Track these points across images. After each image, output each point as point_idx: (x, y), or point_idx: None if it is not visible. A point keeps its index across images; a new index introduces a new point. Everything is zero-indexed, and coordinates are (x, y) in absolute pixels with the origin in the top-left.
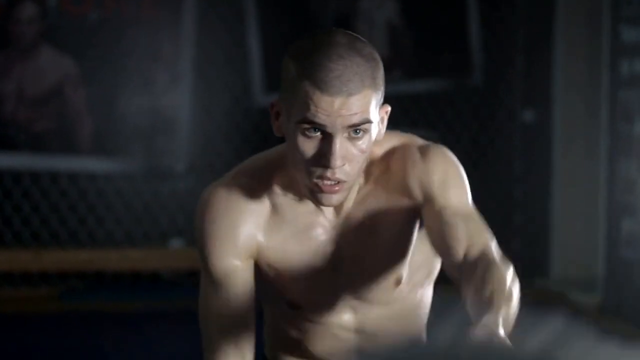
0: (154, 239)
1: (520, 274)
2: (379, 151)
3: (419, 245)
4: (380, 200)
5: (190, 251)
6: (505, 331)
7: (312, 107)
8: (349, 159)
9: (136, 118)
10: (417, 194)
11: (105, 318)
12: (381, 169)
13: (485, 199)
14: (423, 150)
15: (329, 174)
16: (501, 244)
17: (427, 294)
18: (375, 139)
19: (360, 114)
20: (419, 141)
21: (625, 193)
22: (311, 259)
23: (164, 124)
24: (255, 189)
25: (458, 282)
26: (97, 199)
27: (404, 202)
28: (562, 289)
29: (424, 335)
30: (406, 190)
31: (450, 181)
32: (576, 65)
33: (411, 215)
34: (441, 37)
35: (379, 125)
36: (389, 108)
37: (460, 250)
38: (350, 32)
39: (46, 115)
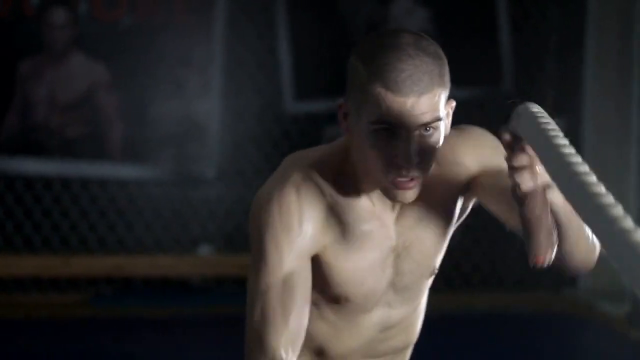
0: (183, 245)
1: (549, 284)
2: None
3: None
4: (429, 186)
5: (220, 258)
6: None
7: (385, 108)
8: (422, 156)
9: (167, 124)
10: (470, 165)
11: (134, 324)
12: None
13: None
14: (462, 130)
15: (404, 172)
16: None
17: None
18: (445, 134)
19: (431, 112)
20: (453, 128)
21: None
22: (369, 254)
23: (195, 130)
24: (314, 188)
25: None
26: (127, 205)
27: (453, 182)
28: (591, 299)
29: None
30: (455, 167)
31: (498, 148)
32: (607, 72)
33: (458, 197)
34: (472, 45)
35: (446, 120)
36: (454, 103)
37: None
38: (415, 31)
39: (77, 121)
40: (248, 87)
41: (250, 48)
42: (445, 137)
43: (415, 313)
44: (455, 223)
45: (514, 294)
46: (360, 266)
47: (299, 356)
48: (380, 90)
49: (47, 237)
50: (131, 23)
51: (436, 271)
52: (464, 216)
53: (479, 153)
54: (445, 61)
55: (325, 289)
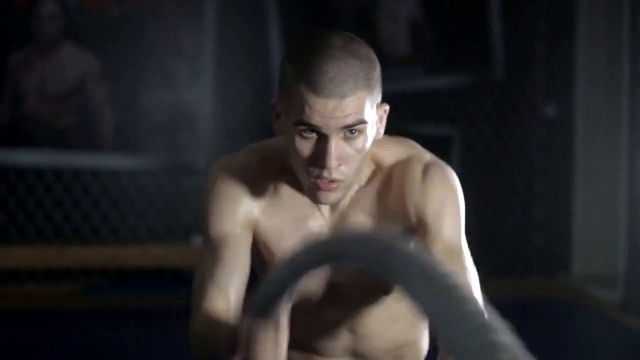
0: (176, 235)
1: (541, 270)
2: (388, 159)
3: None
4: (375, 206)
5: None
6: None
7: (307, 109)
8: (345, 159)
9: (158, 113)
10: (412, 216)
11: (128, 314)
12: (383, 178)
13: (507, 194)
14: (425, 171)
15: (325, 173)
16: (523, 238)
17: None
18: (375, 137)
19: (354, 115)
20: (426, 157)
21: None
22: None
23: (186, 119)
24: (262, 169)
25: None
26: (120, 195)
27: (400, 219)
28: (584, 285)
29: (424, 340)
30: (403, 210)
31: (446, 210)
32: (597, 59)
33: (405, 227)
34: (462, 32)
35: (376, 124)
36: (387, 107)
37: None
38: (347, 33)
39: (68, 111)
40: (239, 76)
41: (241, 37)
42: (407, 170)
43: (400, 316)
44: None
45: (506, 279)
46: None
47: (291, 349)
48: (303, 90)
49: (40, 228)
50: (121, 13)
51: (389, 290)
52: None
53: (424, 208)
54: (377, 65)
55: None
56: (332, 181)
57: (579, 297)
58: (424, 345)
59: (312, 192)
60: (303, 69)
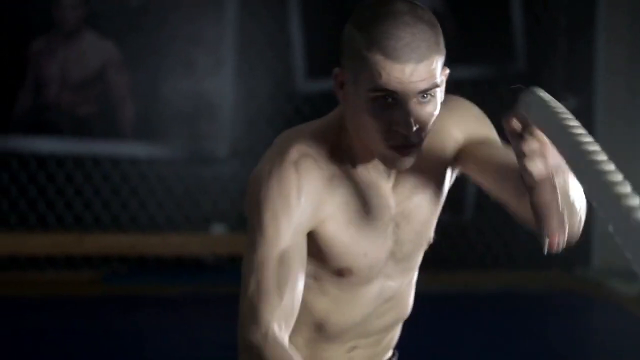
0: (196, 224)
1: (560, 263)
2: None
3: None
4: (420, 156)
5: (232, 236)
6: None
7: (384, 75)
8: (420, 123)
9: (178, 102)
10: (457, 136)
11: (147, 302)
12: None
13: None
14: (447, 101)
15: (404, 139)
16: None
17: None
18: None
19: (429, 79)
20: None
21: None
22: (369, 224)
23: (207, 108)
24: (311, 162)
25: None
26: (140, 184)
27: (443, 152)
28: (603, 278)
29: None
30: (443, 139)
31: (482, 118)
32: (618, 51)
33: (447, 167)
34: (483, 23)
35: (441, 87)
36: (447, 71)
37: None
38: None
39: (89, 99)
40: (260, 65)
41: (262, 26)
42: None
43: (410, 285)
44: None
45: (525, 272)
46: (361, 237)
47: (298, 331)
48: (378, 57)
49: (60, 215)
50: (142, 1)
51: (431, 241)
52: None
53: (465, 124)
54: (440, 28)
55: (327, 263)
56: (412, 145)
57: (598, 290)
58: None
59: (389, 159)
60: (375, 36)
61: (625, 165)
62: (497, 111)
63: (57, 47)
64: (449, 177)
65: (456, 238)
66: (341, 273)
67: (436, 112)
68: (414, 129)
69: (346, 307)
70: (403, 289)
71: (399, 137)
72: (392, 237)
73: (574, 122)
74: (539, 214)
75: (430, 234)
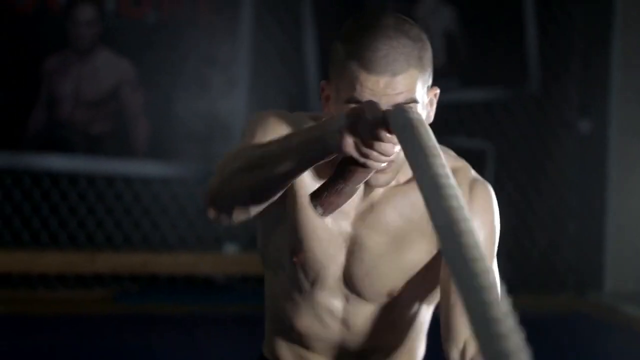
0: (207, 244)
1: (573, 287)
2: None
3: (431, 269)
4: (409, 209)
5: (244, 256)
6: None
7: (358, 87)
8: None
9: (192, 122)
10: None
11: (158, 321)
12: None
13: (540, 209)
14: (471, 186)
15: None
16: (555, 255)
17: (426, 313)
18: (425, 121)
19: (405, 93)
20: (471, 174)
21: None
22: (328, 225)
23: (220, 128)
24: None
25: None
26: (152, 203)
27: (431, 234)
28: (615, 302)
29: (416, 352)
30: None
31: (484, 230)
32: (632, 75)
33: (431, 245)
34: (498, 46)
35: (427, 107)
36: (437, 90)
37: (459, 342)
38: (399, 14)
39: (103, 117)
40: (274, 85)
41: (276, 46)
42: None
43: (396, 322)
44: (426, 273)
45: (538, 296)
46: (317, 226)
47: (280, 335)
48: (354, 68)
49: (73, 234)
50: (157, 20)
51: (394, 296)
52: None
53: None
54: (428, 46)
55: (289, 237)
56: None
57: (610, 314)
58: (420, 352)
59: None
60: (354, 47)
61: (639, 191)
62: (510, 133)
63: (72, 65)
64: (434, 256)
65: None
66: (296, 253)
67: None
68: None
69: (308, 314)
70: (375, 329)
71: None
72: (344, 257)
73: (434, 159)
74: (332, 182)
75: (391, 286)
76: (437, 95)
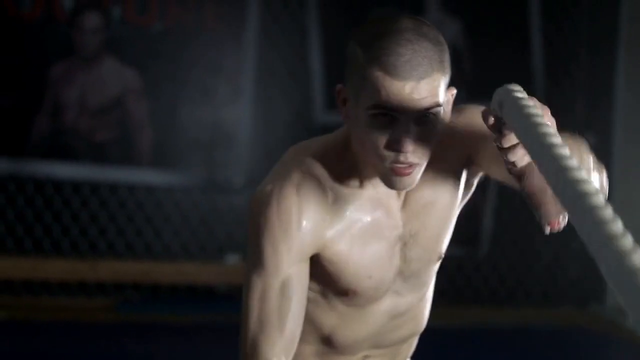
0: (210, 253)
1: (574, 300)
2: None
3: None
4: (431, 171)
5: None
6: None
7: (383, 93)
8: (421, 142)
9: (196, 130)
10: (468, 142)
11: (160, 330)
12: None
13: None
14: (457, 110)
15: (402, 158)
16: (558, 269)
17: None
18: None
19: (430, 97)
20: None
21: None
22: (374, 245)
23: (224, 137)
24: (315, 183)
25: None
26: (155, 211)
27: (453, 164)
28: (617, 316)
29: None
30: (454, 148)
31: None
32: (637, 89)
33: (460, 175)
34: (503, 56)
35: (446, 106)
36: (454, 90)
37: None
38: (415, 16)
39: (107, 125)
40: (278, 95)
41: (282, 56)
42: (444, 117)
43: (424, 300)
44: (461, 202)
45: (540, 309)
46: (366, 259)
47: (306, 342)
48: (378, 74)
49: (75, 241)
50: (162, 28)
51: (442, 256)
52: (470, 194)
53: (474, 128)
54: (446, 47)
55: (332, 284)
56: (410, 165)
57: (612, 327)
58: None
59: (388, 178)
60: (376, 52)
61: None
62: None
63: (77, 72)
64: (465, 184)
65: (471, 273)
66: (346, 293)
67: (438, 131)
68: (413, 148)
69: (354, 323)
70: (415, 304)
71: (398, 156)
72: (400, 256)
73: (541, 122)
74: (533, 200)
75: (442, 249)
76: (454, 95)
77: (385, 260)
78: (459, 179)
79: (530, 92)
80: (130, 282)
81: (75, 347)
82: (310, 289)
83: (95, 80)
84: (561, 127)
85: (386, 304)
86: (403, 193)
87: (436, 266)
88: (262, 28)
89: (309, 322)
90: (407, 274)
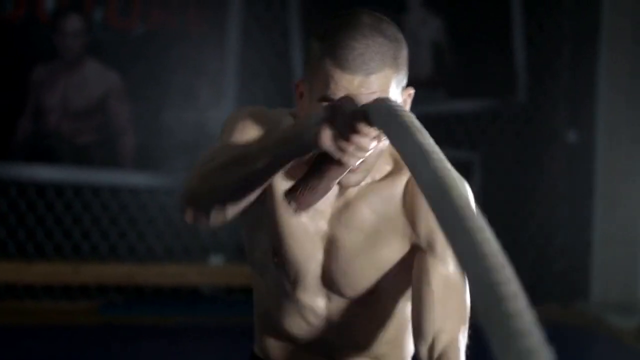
0: (193, 255)
1: (559, 297)
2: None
3: (408, 263)
4: (383, 207)
5: (230, 267)
6: None
7: (333, 85)
8: None
9: (179, 132)
10: (421, 236)
11: (144, 332)
12: (399, 182)
13: (528, 220)
14: None
15: None
16: (543, 264)
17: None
18: None
19: (379, 92)
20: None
21: None
22: (305, 222)
23: (207, 138)
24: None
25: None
26: (138, 213)
27: (405, 231)
28: (601, 312)
29: (407, 346)
30: (411, 224)
31: None
32: (620, 85)
33: (405, 240)
34: (485, 57)
35: None
36: (412, 91)
37: (428, 336)
38: (376, 13)
39: (90, 128)
40: (261, 96)
41: (264, 58)
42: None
43: (381, 316)
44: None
45: None
46: (297, 226)
47: (268, 333)
48: (330, 67)
49: (58, 244)
50: (144, 31)
51: (378, 288)
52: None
53: (434, 234)
54: (404, 45)
55: (270, 246)
56: None
57: (596, 324)
58: (410, 346)
59: None
60: (330, 45)
61: (627, 198)
62: (498, 143)
63: (59, 75)
64: (408, 250)
65: None
66: (277, 258)
67: None
68: None
69: (291, 315)
70: (351, 317)
71: None
72: (322, 254)
73: (420, 132)
74: (311, 176)
75: (375, 276)
76: (412, 96)
77: (307, 240)
78: (401, 247)
79: (513, 90)
80: (114, 285)
81: (60, 351)
82: (252, 261)
83: (78, 83)
84: (545, 125)
85: (318, 302)
86: (344, 197)
87: (381, 292)
88: (244, 30)
89: (265, 314)
90: (334, 285)
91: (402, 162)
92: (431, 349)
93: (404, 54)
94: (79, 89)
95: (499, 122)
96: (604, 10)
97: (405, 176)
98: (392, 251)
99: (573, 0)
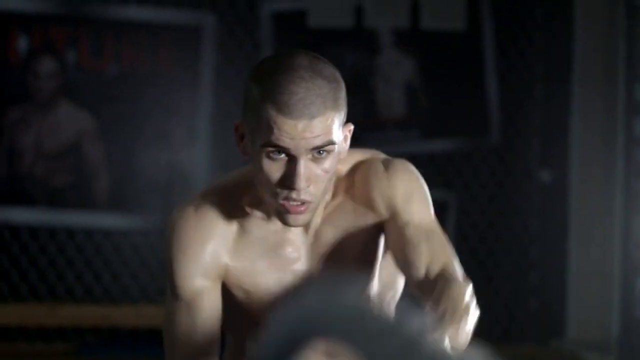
0: None
1: (536, 335)
2: (345, 167)
3: (385, 264)
4: (348, 216)
5: None
6: (453, 346)
7: (276, 131)
8: (314, 180)
9: (153, 173)
10: (382, 208)
11: None
12: (347, 184)
13: (502, 259)
14: (386, 165)
15: (294, 195)
16: (517, 304)
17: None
18: (339, 157)
19: (323, 135)
20: (382, 155)
21: None
22: (281, 277)
23: (181, 179)
24: (223, 209)
25: (420, 299)
26: (113, 255)
27: (370, 216)
28: (578, 349)
29: None
30: (371, 205)
31: (413, 196)
32: (593, 125)
33: (377, 230)
34: (458, 97)
35: (342, 144)
36: (352, 127)
37: (421, 268)
38: (311, 52)
39: (63, 170)
40: (234, 136)
41: (238, 98)
42: (369, 168)
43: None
44: (383, 249)
45: (501, 346)
46: (271, 287)
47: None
48: (271, 112)
49: (33, 286)
50: (118, 72)
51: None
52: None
53: (393, 196)
54: (342, 85)
55: (247, 319)
56: (302, 203)
57: None
58: None
59: (281, 215)
60: (270, 89)
61: (600, 237)
62: (471, 183)
63: (32, 117)
64: (381, 241)
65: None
66: (258, 317)
67: (332, 169)
68: (305, 185)
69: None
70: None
71: (290, 193)
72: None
73: None
74: None
75: (364, 290)
76: (352, 131)
77: (288, 292)
78: (374, 237)
79: (487, 130)
80: (90, 327)
81: None
82: (242, 325)
83: (51, 124)
84: (518, 165)
85: None
86: (312, 230)
87: None
88: (217, 70)
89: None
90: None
91: (339, 169)
92: (427, 272)
93: (343, 94)
94: (52, 131)
95: (473, 162)
96: (576, 50)
97: (345, 177)
98: (371, 244)
99: (545, 41)
